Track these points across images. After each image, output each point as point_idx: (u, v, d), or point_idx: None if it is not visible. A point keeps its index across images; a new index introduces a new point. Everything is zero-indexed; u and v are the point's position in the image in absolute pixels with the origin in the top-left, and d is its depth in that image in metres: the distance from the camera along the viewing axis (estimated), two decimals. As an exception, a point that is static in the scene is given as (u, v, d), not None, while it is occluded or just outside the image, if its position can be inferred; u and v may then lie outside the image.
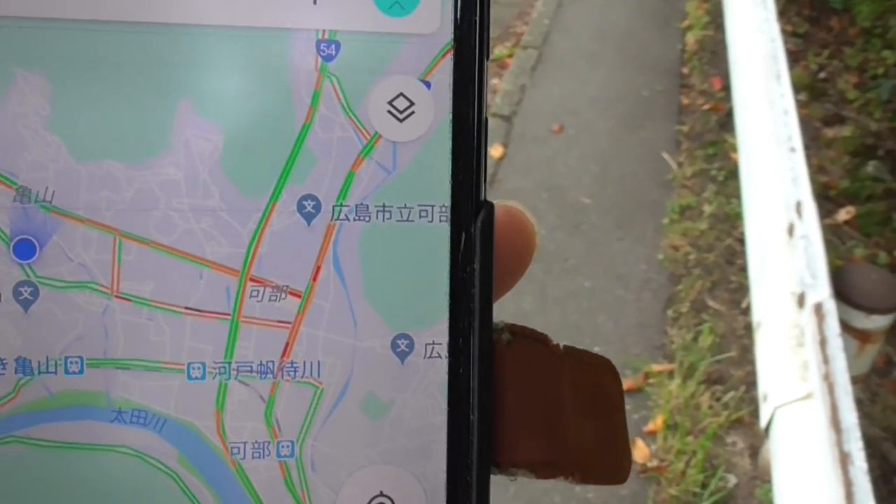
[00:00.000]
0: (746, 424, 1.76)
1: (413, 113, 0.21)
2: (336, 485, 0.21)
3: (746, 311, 1.94)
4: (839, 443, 1.12)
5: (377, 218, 0.21)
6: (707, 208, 2.33)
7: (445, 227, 0.21)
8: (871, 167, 2.45)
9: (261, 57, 0.20)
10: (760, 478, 1.65)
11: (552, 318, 1.96)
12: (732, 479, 1.67)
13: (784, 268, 1.46)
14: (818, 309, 1.31)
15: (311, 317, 0.21)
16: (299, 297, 0.21)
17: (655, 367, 1.87)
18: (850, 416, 1.15)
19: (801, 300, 1.36)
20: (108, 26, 0.20)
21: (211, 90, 0.20)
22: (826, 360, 1.24)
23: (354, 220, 0.21)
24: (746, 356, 1.86)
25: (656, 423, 1.76)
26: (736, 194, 2.19)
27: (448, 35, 0.21)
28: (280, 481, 0.21)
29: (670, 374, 1.85)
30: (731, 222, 2.27)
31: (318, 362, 0.21)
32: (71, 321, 0.20)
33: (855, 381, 1.44)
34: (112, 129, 0.20)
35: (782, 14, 2.67)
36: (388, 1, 0.21)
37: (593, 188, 2.38)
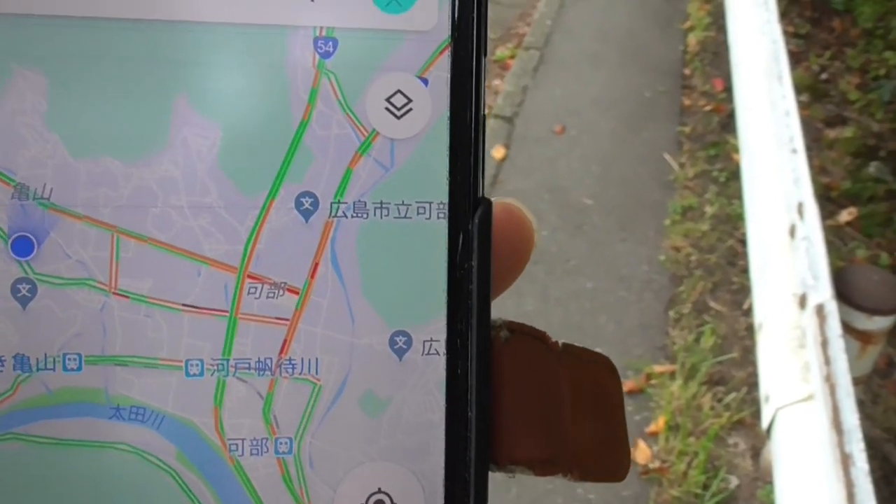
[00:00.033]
0: (748, 426, 1.76)
1: (410, 110, 0.21)
2: (334, 482, 0.21)
3: (748, 313, 1.94)
4: (841, 444, 1.12)
5: (375, 215, 0.21)
6: (709, 209, 2.33)
7: (443, 224, 0.21)
8: (872, 168, 2.45)
9: (258, 54, 0.20)
10: (762, 479, 1.65)
11: (554, 319, 1.96)
12: (734, 481, 1.67)
13: (786, 269, 1.46)
14: (820, 310, 1.30)
15: (309, 314, 0.21)
16: (297, 293, 0.21)
17: (657, 368, 1.87)
18: (851, 418, 1.15)
19: (802, 301, 1.36)
20: (106, 23, 0.20)
21: (208, 87, 0.20)
22: (828, 361, 1.24)
23: (352, 216, 0.21)
24: (748, 357, 1.86)
25: (658, 424, 1.76)
26: (738, 195, 2.19)
27: (445, 32, 0.21)
28: (278, 478, 0.21)
29: (672, 376, 1.85)
30: (732, 223, 2.27)
31: (316, 359, 0.21)
32: (69, 318, 0.20)
33: (856, 382, 1.44)
34: (109, 125, 0.20)
35: (784, 15, 2.67)
36: None
37: (595, 189, 2.38)
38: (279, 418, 0.21)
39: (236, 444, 0.21)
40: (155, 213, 0.20)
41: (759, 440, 1.70)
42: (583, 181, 2.41)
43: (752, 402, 1.77)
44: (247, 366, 0.21)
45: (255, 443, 0.21)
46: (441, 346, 0.21)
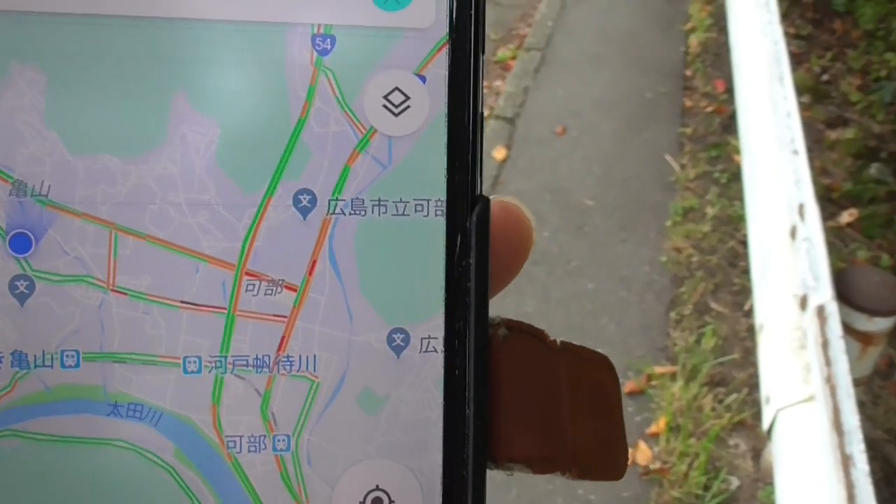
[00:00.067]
0: (749, 427, 1.76)
1: (408, 107, 0.21)
2: (332, 479, 0.21)
3: (749, 314, 1.94)
4: (841, 445, 1.12)
5: (373, 212, 0.21)
6: (710, 210, 2.33)
7: (441, 222, 0.21)
8: (873, 169, 2.45)
9: (256, 51, 0.20)
10: (763, 480, 1.65)
11: (555, 320, 1.96)
12: (735, 482, 1.67)
13: (786, 270, 1.46)
14: (820, 311, 1.30)
15: (307, 311, 0.21)
16: (295, 291, 0.21)
17: (658, 370, 1.87)
18: (852, 419, 1.15)
19: (803, 302, 1.36)
20: (104, 21, 0.20)
21: (206, 84, 0.20)
22: (828, 362, 1.24)
23: (350, 214, 0.21)
24: (749, 358, 1.86)
25: (659, 425, 1.76)
26: (739, 196, 2.19)
27: (443, 29, 0.21)
28: (276, 475, 0.21)
29: (673, 377, 1.85)
30: (733, 224, 2.27)
31: (314, 356, 0.21)
32: (67, 315, 0.20)
33: (857, 383, 1.44)
34: (108, 123, 0.20)
35: (785, 16, 2.67)
36: None
37: (596, 190, 2.38)
38: (277, 415, 0.21)
39: (234, 442, 0.21)
40: (153, 210, 0.20)
41: (759, 441, 1.70)
42: (584, 182, 2.41)
43: (752, 403, 1.77)
44: (245, 363, 0.21)
45: (252, 440, 0.21)
46: (439, 344, 0.21)
